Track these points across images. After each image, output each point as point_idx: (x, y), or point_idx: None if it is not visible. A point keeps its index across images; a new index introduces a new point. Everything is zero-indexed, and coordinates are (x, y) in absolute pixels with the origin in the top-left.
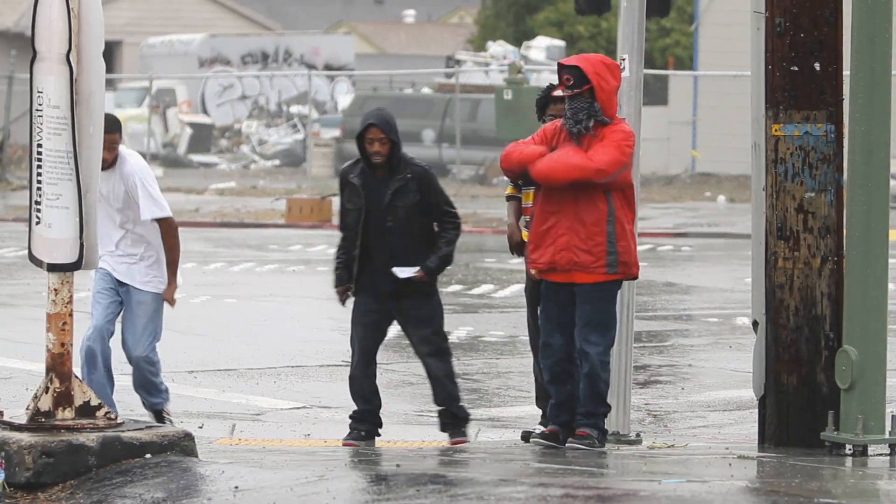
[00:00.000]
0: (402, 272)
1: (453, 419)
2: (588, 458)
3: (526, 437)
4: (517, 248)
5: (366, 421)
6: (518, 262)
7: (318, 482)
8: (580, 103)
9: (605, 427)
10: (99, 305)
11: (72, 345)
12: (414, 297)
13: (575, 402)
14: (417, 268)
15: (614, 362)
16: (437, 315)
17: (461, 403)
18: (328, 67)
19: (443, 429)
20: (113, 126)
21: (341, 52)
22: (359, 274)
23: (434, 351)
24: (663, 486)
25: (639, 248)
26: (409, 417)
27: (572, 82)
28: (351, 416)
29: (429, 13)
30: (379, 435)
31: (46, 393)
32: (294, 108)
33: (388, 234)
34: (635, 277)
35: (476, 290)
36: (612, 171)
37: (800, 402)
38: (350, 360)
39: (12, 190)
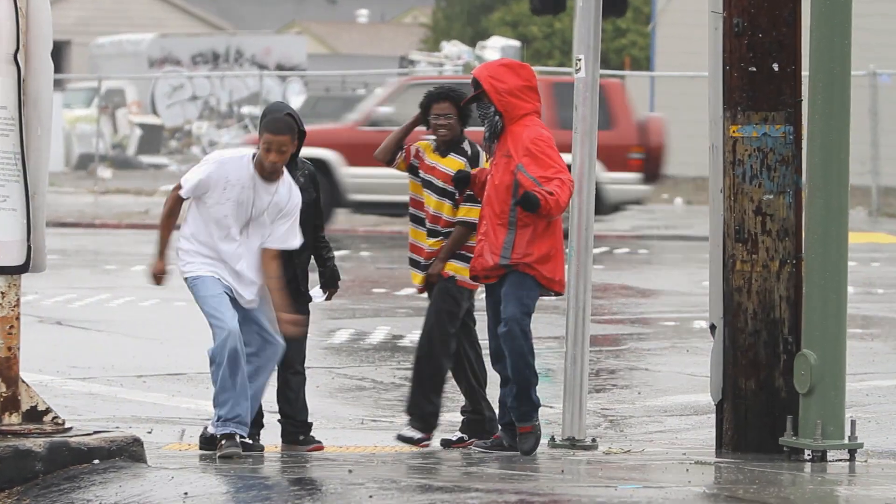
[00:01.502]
0: (316, 294)
1: (305, 427)
2: (544, 462)
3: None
4: None
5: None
6: None
7: (272, 487)
8: (481, 110)
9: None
10: (227, 308)
11: (19, 348)
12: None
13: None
14: (324, 293)
15: (570, 366)
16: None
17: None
18: (280, 68)
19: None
20: (284, 128)
21: (293, 53)
22: None
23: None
24: (619, 491)
25: (595, 250)
26: (363, 422)
27: (474, 89)
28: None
29: (382, 13)
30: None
31: None
32: (245, 109)
33: None
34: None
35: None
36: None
37: (758, 407)
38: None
39: None
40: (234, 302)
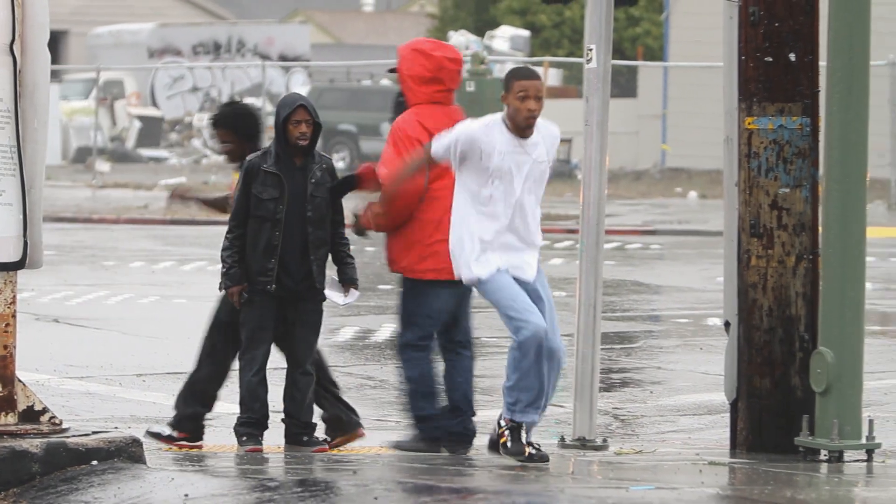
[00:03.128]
0: (338, 297)
1: (309, 428)
2: (554, 463)
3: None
4: None
5: (263, 425)
6: None
7: (274, 489)
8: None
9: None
10: (524, 297)
11: (15, 347)
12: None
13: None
14: (344, 297)
15: (580, 364)
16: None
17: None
18: (283, 58)
19: (294, 438)
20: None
21: (297, 42)
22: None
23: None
24: (631, 493)
25: (606, 245)
26: (366, 422)
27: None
28: (246, 423)
29: (388, 2)
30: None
31: None
32: (248, 101)
33: (309, 225)
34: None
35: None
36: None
37: (773, 406)
38: (248, 365)
39: None
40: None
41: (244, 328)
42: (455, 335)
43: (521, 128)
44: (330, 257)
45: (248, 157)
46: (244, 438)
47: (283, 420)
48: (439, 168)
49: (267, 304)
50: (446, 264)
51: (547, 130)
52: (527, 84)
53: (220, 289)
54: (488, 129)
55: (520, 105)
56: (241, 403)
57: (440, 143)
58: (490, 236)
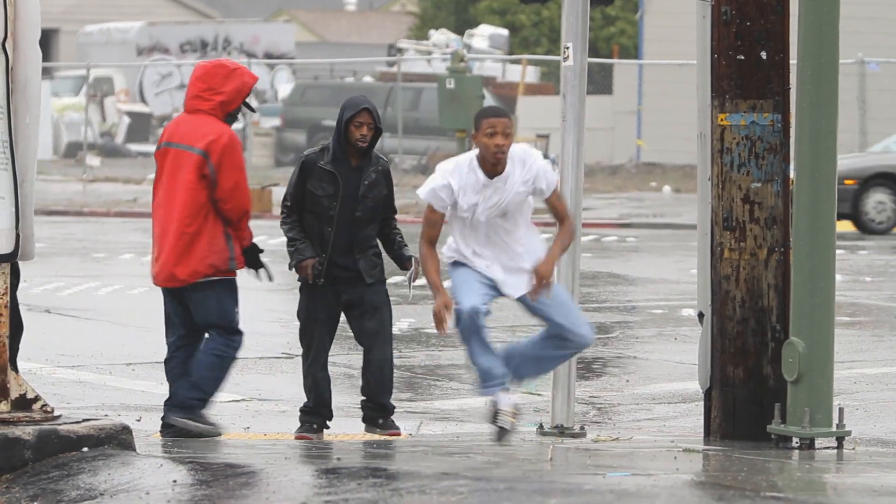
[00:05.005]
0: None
1: (384, 411)
2: (532, 450)
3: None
4: None
5: (318, 414)
6: None
7: (259, 475)
8: None
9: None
10: (474, 284)
11: (8, 337)
12: (373, 284)
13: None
14: (409, 272)
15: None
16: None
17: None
18: (268, 56)
19: (371, 421)
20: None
21: (281, 41)
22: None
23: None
24: (608, 479)
25: (583, 238)
26: (350, 410)
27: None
28: (302, 410)
29: (370, 1)
30: (328, 427)
31: None
32: None
33: (357, 225)
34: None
35: (418, 282)
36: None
37: (746, 395)
38: (304, 354)
39: None
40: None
41: (299, 318)
42: None
43: (491, 164)
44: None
45: (305, 152)
46: (299, 425)
47: (360, 402)
48: None
49: (317, 295)
50: None
51: (520, 158)
52: (494, 121)
53: (290, 268)
54: (459, 170)
55: (488, 141)
56: (304, 390)
57: (428, 196)
58: (470, 251)
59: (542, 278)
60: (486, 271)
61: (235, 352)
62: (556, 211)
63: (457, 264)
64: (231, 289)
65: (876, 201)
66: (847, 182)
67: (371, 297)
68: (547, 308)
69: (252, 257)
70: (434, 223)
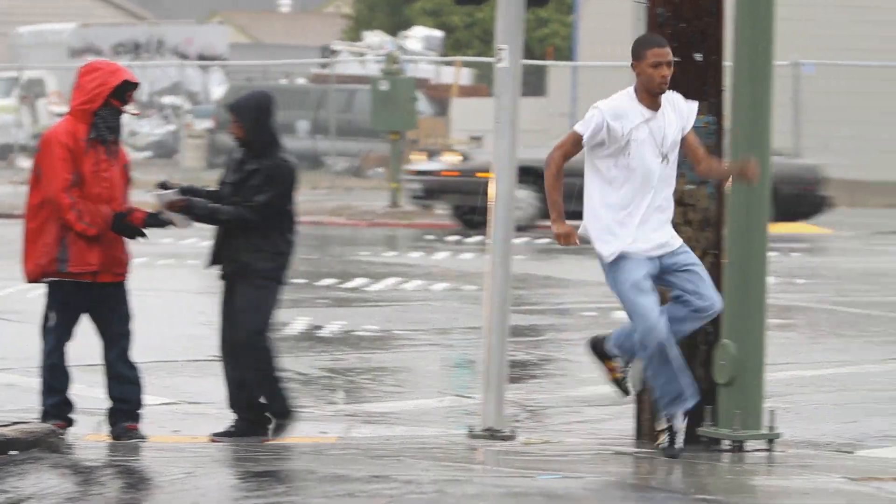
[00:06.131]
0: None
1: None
2: (462, 453)
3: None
4: None
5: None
6: (391, 256)
7: (186, 479)
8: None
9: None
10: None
11: None
12: (243, 285)
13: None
14: (175, 190)
15: (489, 356)
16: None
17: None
18: (202, 58)
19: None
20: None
21: (215, 42)
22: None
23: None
24: (538, 482)
25: (515, 241)
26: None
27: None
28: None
29: (304, 3)
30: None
31: None
32: (166, 99)
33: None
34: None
35: (349, 284)
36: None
37: None
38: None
39: None
40: None
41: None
42: None
43: (655, 94)
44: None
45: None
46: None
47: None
48: None
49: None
50: None
51: (675, 101)
52: (659, 52)
53: None
54: (620, 102)
55: (653, 72)
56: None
57: (587, 129)
58: (623, 215)
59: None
60: (648, 243)
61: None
62: (697, 151)
63: (619, 260)
64: (53, 291)
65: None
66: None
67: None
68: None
69: (153, 223)
70: (577, 146)
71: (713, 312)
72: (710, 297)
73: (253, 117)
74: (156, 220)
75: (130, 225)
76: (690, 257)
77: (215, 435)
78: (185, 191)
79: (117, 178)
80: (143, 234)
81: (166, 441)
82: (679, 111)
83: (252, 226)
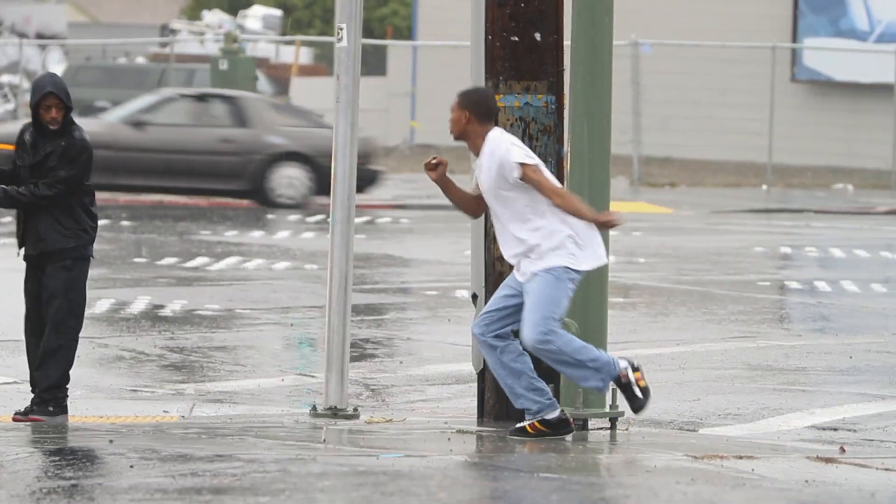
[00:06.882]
0: None
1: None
2: (305, 432)
3: None
4: None
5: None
6: (231, 236)
7: (28, 459)
8: None
9: None
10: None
11: None
12: (51, 268)
13: None
14: None
15: (331, 335)
16: (72, 290)
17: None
18: (40, 36)
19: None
20: None
21: (53, 21)
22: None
23: (53, 325)
24: (381, 460)
25: (357, 219)
26: (122, 392)
27: None
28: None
29: None
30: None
31: None
32: (4, 78)
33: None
34: None
35: (191, 263)
36: None
37: None
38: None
39: None
40: None
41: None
42: None
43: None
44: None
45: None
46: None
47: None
48: None
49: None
50: None
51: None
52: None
53: None
54: None
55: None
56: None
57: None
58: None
59: None
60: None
61: None
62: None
63: (567, 272)
64: None
65: (286, 176)
66: None
67: (52, 281)
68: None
69: None
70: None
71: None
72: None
73: (69, 99)
74: None
75: None
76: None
77: (18, 414)
78: None
79: None
80: None
81: (7, 421)
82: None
83: (52, 203)
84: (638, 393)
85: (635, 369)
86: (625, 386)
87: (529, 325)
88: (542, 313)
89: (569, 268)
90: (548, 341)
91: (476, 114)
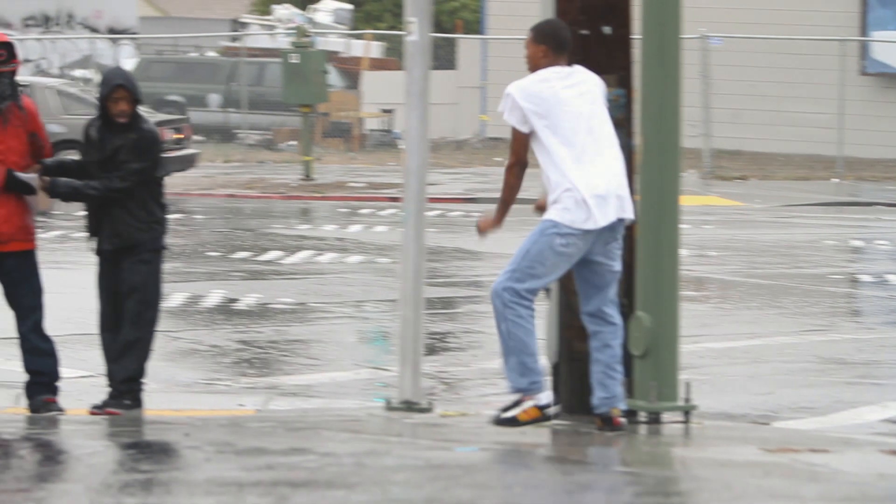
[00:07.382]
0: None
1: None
2: (380, 425)
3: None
4: None
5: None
6: (305, 229)
7: (105, 452)
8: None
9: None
10: None
11: None
12: (129, 262)
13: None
14: (35, 175)
15: (405, 329)
16: (151, 283)
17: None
18: (111, 31)
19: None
20: None
21: (124, 15)
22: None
23: (132, 318)
24: (456, 454)
25: (428, 213)
26: (197, 386)
27: (5, 58)
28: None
29: None
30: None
31: None
32: (77, 72)
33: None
34: None
35: (264, 257)
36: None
37: None
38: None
39: None
40: None
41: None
42: None
43: None
44: None
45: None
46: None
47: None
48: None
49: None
50: None
51: None
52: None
53: None
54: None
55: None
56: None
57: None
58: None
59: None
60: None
61: None
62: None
63: (555, 226)
64: None
65: None
66: None
67: (130, 276)
68: None
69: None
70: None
71: None
72: None
73: (138, 92)
74: (14, 181)
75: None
76: None
77: (94, 407)
78: (50, 168)
79: (13, 144)
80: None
81: (84, 414)
82: None
83: (125, 196)
84: (508, 415)
85: (541, 408)
86: (507, 407)
87: (502, 272)
88: (513, 265)
89: (557, 222)
90: (499, 297)
91: (552, 47)
